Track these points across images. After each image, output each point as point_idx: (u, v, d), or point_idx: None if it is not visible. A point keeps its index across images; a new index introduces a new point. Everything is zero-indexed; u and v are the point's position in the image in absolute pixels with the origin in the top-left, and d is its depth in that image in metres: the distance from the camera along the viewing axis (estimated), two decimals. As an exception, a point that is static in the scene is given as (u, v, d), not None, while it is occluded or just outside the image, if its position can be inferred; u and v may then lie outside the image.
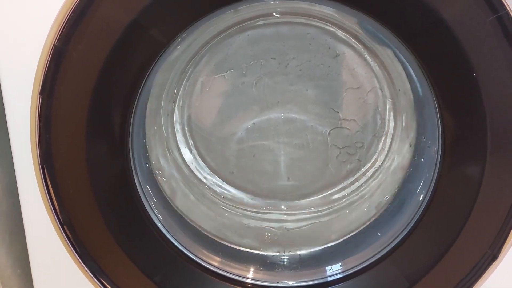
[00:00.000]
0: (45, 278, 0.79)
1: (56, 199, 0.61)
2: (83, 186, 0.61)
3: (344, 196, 0.86)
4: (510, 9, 0.54)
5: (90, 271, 0.64)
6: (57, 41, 0.56)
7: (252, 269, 0.75)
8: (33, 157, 0.59)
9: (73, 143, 0.59)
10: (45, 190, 0.60)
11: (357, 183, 0.86)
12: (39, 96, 0.57)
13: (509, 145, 0.58)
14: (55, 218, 0.61)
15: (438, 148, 0.63)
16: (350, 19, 0.75)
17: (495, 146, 0.58)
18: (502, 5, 0.53)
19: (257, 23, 0.79)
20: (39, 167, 0.60)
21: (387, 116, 0.83)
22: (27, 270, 0.81)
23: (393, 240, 0.68)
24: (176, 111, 0.83)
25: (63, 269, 0.74)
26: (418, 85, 0.73)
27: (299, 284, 0.73)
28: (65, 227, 0.62)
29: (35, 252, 0.77)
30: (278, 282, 0.74)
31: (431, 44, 0.57)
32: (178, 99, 0.83)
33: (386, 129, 0.83)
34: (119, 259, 0.65)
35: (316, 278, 0.72)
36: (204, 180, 0.86)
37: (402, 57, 0.72)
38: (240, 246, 0.80)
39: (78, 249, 0.63)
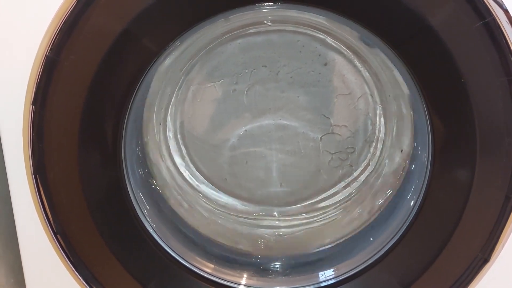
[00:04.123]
0: (39, 287, 0.79)
1: (49, 209, 0.61)
2: (76, 195, 0.61)
3: (336, 202, 0.86)
4: (497, 15, 0.54)
5: (84, 280, 0.64)
6: (49, 52, 0.56)
7: (245, 275, 0.75)
8: (26, 167, 0.59)
9: (65, 153, 0.59)
10: (38, 200, 0.60)
11: (349, 188, 0.86)
12: (31, 106, 0.57)
13: (498, 149, 0.58)
14: (48, 227, 0.61)
15: (428, 152, 0.63)
16: (339, 27, 0.75)
17: (484, 150, 0.58)
18: (489, 11, 0.54)
19: (248, 31, 0.79)
20: (32, 177, 0.60)
21: (377, 122, 0.83)
22: (20, 279, 0.81)
23: (385, 245, 0.68)
24: (168, 119, 0.84)
25: (56, 278, 0.74)
26: (407, 91, 0.73)
27: (292, 290, 0.73)
28: (58, 236, 0.62)
29: (28, 261, 0.77)
30: (271, 288, 0.74)
31: (419, 50, 0.58)
32: (170, 107, 0.83)
33: (377, 135, 0.84)
34: (112, 267, 0.65)
35: (309, 284, 0.72)
36: (197, 187, 0.86)
37: (391, 64, 0.73)
38: (234, 253, 0.80)
39: (71, 258, 0.63)
